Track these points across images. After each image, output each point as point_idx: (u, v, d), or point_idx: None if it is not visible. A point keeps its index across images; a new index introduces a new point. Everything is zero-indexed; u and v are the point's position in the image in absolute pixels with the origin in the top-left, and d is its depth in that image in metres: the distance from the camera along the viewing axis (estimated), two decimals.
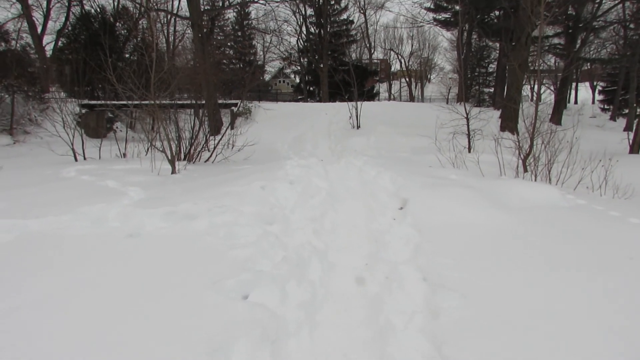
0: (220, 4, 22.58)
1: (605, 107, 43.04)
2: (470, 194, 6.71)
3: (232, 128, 25.39)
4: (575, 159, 8.91)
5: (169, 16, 32.97)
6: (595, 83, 52.83)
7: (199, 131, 12.60)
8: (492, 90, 44.21)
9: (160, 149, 10.00)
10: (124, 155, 13.43)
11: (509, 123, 17.43)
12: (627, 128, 29.44)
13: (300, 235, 5.42)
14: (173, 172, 9.88)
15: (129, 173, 9.69)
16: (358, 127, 17.75)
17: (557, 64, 42.07)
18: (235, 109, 26.05)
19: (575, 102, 51.83)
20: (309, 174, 8.22)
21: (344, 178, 8.35)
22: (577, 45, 26.29)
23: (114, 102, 19.09)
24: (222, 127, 20.35)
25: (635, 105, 29.13)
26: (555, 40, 32.86)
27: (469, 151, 12.88)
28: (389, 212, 6.34)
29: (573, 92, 52.83)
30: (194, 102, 12.97)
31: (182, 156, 12.26)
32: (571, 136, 9.62)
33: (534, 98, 11.42)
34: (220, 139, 13.29)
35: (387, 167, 8.89)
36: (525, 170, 10.14)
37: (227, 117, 26.16)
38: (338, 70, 30.65)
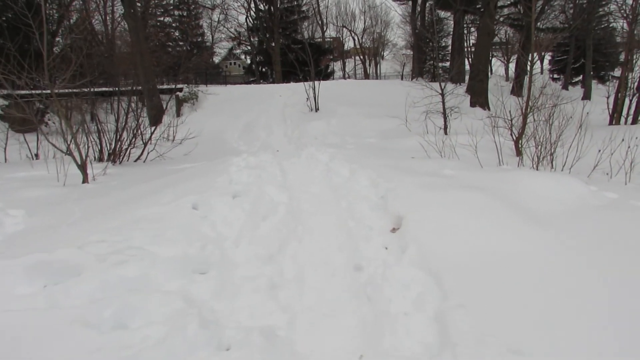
0: None
1: (556, 76, 42.54)
2: (482, 198, 4.73)
3: (178, 116, 22.77)
4: (578, 136, 7.10)
5: None
6: (542, 53, 52.39)
7: (125, 124, 10.09)
8: (446, 64, 42.86)
9: (66, 152, 7.52)
10: (36, 156, 10.77)
11: (478, 98, 15.70)
12: (585, 97, 28.59)
13: (248, 297, 3.28)
14: (85, 180, 7.45)
15: (27, 184, 7.22)
16: (317, 109, 15.58)
17: (510, 34, 41.10)
18: (180, 94, 23.27)
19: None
20: (261, 178, 6.02)
21: (307, 182, 6.18)
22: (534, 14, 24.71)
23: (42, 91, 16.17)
24: (163, 116, 17.73)
25: (592, 73, 28.24)
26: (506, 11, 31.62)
27: (446, 132, 10.98)
28: (376, 237, 4.26)
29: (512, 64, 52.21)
30: (113, 88, 10.38)
31: (106, 156, 9.76)
32: (573, 109, 7.82)
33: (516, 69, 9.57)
34: (153, 132, 10.79)
35: (361, 162, 6.78)
36: (519, 154, 8.31)
37: (172, 104, 23.41)
38: (291, 49, 28.16)
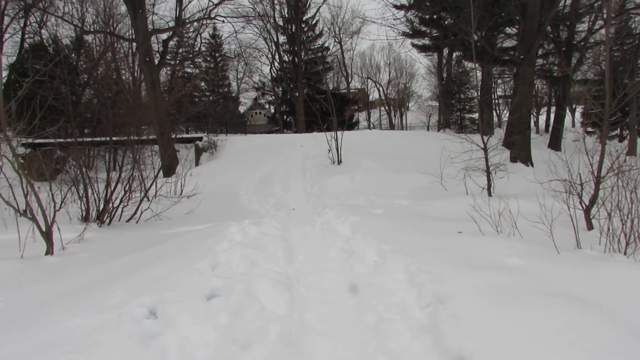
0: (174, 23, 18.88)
1: (590, 129, 40.42)
2: (587, 322, 2.90)
3: (197, 165, 21.54)
4: None
5: (131, 46, 29.20)
6: (574, 106, 50.56)
7: (119, 179, 8.61)
8: (473, 116, 41.31)
9: (21, 213, 5.99)
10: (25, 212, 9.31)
11: (520, 152, 13.84)
12: (630, 152, 26.32)
13: None
14: (49, 251, 5.87)
15: None
16: (339, 162, 13.97)
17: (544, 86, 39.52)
18: (200, 143, 22.15)
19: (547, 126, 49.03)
20: (255, 266, 4.26)
21: (318, 272, 4.42)
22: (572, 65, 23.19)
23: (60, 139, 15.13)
24: (177, 166, 16.40)
25: (636, 127, 26.09)
26: (540, 61, 30.12)
27: (489, 194, 9.13)
28: None
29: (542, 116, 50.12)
30: (107, 138, 8.98)
31: (94, 215, 8.22)
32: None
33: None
34: (149, 188, 9.26)
35: (392, 240, 5.00)
36: (590, 227, 6.40)
37: (192, 154, 22.25)
38: (315, 99, 27.12)
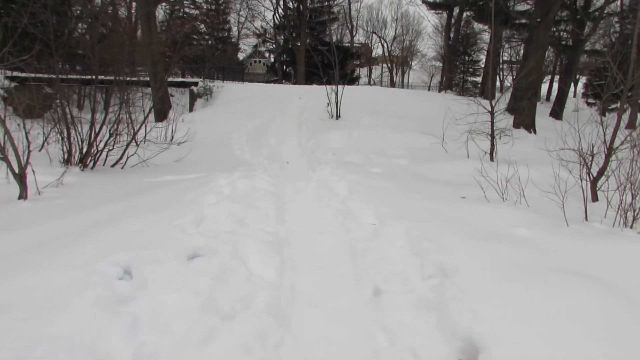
0: None
1: (590, 101, 39.76)
2: (613, 309, 2.60)
3: (190, 111, 20.85)
4: None
5: None
6: (577, 76, 49.60)
7: (104, 120, 8.11)
8: (475, 79, 40.39)
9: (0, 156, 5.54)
10: None
11: (524, 119, 13.36)
12: (629, 125, 25.86)
13: None
14: (22, 195, 5.47)
15: None
16: (338, 116, 13.44)
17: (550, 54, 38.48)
18: (195, 89, 21.39)
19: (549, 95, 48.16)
20: (243, 225, 3.89)
21: (312, 233, 4.08)
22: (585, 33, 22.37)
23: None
24: (170, 112, 15.78)
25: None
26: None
27: (492, 158, 8.75)
28: None
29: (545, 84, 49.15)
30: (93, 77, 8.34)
31: (77, 158, 7.78)
32: None
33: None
34: (137, 132, 8.78)
35: (392, 202, 4.65)
36: (595, 199, 6.08)
37: (186, 99, 21.51)
38: (317, 50, 26.11)
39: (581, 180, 5.24)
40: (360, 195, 4.95)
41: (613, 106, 37.91)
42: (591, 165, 6.05)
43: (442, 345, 2.37)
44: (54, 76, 8.90)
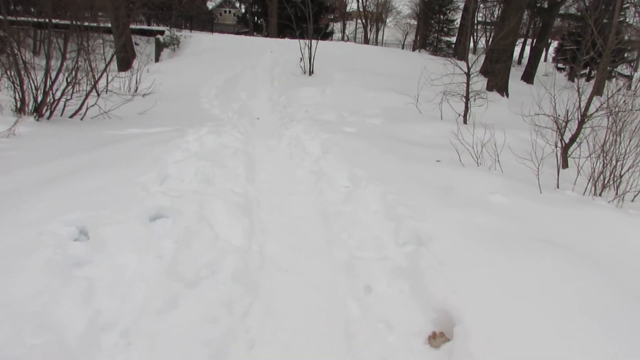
0: None
1: (560, 66, 40.16)
2: (590, 281, 2.58)
3: (156, 61, 19.90)
4: None
5: None
6: (550, 41, 49.86)
7: (60, 67, 7.55)
8: (450, 39, 40.12)
9: None
10: None
11: (497, 82, 13.30)
12: (594, 93, 26.32)
13: None
14: None
15: None
16: (311, 72, 13.04)
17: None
18: (161, 37, 20.35)
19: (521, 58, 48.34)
20: (210, 184, 3.67)
21: (284, 194, 3.90)
22: None
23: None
24: (134, 61, 15.00)
25: (607, 68, 25.67)
26: None
27: (465, 121, 8.68)
28: (402, 356, 2.08)
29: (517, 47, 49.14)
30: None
31: (31, 107, 7.25)
32: None
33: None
34: (97, 81, 8.26)
35: (367, 164, 4.51)
36: (565, 166, 6.13)
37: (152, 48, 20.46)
38: (290, 2, 25.15)
39: (556, 147, 5.21)
40: (334, 155, 4.78)
41: (582, 72, 38.28)
42: (564, 132, 6.05)
43: (416, 316, 2.29)
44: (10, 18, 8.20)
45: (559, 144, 5.82)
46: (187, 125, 6.20)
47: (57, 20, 9.84)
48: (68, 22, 8.56)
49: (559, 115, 5.59)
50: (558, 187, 4.92)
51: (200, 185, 3.58)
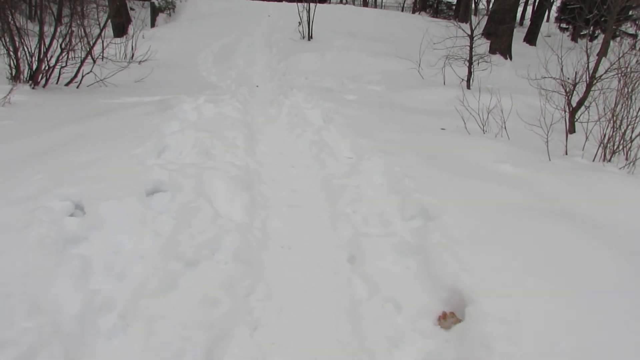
0: None
1: (563, 26, 39.17)
2: (605, 255, 2.46)
3: (152, 26, 19.33)
4: None
5: None
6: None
7: (54, 33, 7.25)
8: (451, 0, 39.02)
9: None
10: None
11: (500, 44, 12.91)
12: (602, 53, 25.73)
13: None
14: None
15: None
16: (310, 37, 12.65)
17: None
18: (157, 2, 19.70)
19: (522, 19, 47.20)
20: (209, 156, 3.52)
21: (285, 166, 3.76)
22: None
23: None
24: (129, 27, 14.52)
25: (613, 27, 24.95)
26: None
27: (468, 86, 8.44)
28: (409, 336, 1.99)
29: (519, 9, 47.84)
30: None
31: (26, 75, 7.01)
32: None
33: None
34: (92, 47, 7.98)
35: (370, 133, 4.35)
36: (572, 131, 5.95)
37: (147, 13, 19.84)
38: None
39: (564, 112, 5.03)
40: (336, 125, 4.60)
41: (583, 32, 37.77)
42: (572, 95, 5.84)
43: (425, 295, 2.19)
44: None
45: (567, 108, 5.63)
46: (184, 94, 5.99)
47: None
48: None
49: (568, 78, 5.36)
50: (566, 153, 4.77)
51: (198, 157, 3.43)
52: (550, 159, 4.26)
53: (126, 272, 2.24)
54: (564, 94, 5.69)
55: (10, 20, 7.00)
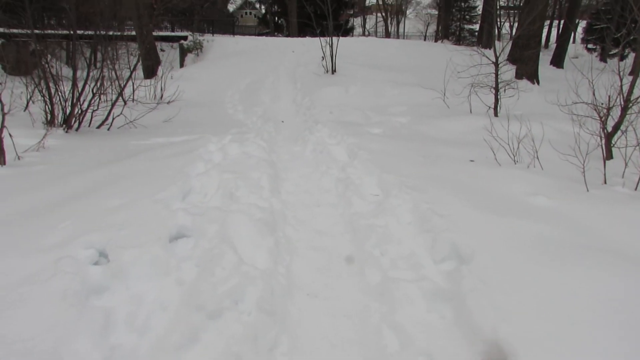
0: None
1: (591, 46, 38.52)
2: None
3: (181, 66, 19.97)
4: None
5: None
6: (577, 21, 48.04)
7: (87, 78, 7.52)
8: (473, 27, 39.15)
9: None
10: None
11: (526, 69, 12.73)
12: (636, 73, 25.05)
13: None
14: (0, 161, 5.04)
15: None
16: (333, 71, 12.78)
17: None
18: (185, 43, 20.41)
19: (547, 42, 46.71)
20: (234, 199, 3.47)
21: (310, 206, 3.68)
22: None
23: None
24: (159, 68, 15.02)
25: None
26: None
27: (496, 114, 8.27)
28: None
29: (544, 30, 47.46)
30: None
31: (60, 119, 7.26)
32: None
33: None
34: (122, 90, 8.22)
35: (396, 168, 4.24)
36: (609, 157, 5.67)
37: (176, 54, 20.54)
38: (309, 0, 24.92)
39: (601, 139, 4.81)
40: (361, 161, 4.52)
41: (613, 52, 37.00)
42: (606, 120, 5.60)
43: (462, 348, 2.03)
44: (37, 32, 8.26)
45: (602, 134, 5.39)
46: (211, 133, 6.05)
47: (83, 32, 9.90)
48: (93, 33, 8.58)
49: (602, 104, 5.14)
50: (605, 182, 4.53)
51: (223, 200, 3.39)
52: (588, 189, 4.04)
53: (147, 324, 2.17)
54: (598, 118, 5.47)
55: (46, 68, 7.32)
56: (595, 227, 3.03)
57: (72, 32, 7.61)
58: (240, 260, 2.59)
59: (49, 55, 8.32)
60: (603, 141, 5.23)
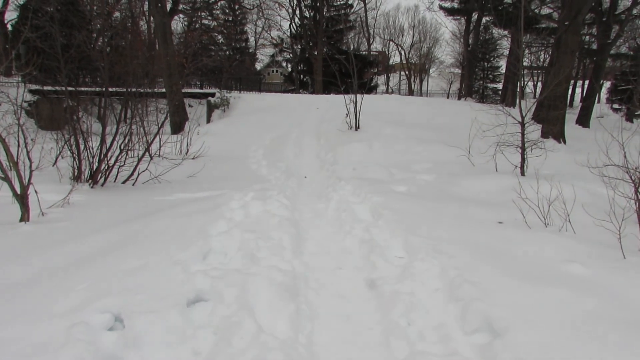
0: None
1: (616, 107, 38.42)
2: None
3: (208, 122, 20.59)
4: None
5: None
6: (602, 82, 48.25)
7: (115, 135, 7.76)
8: (496, 85, 39.63)
9: (1, 176, 5.17)
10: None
11: (552, 128, 12.64)
12: None
13: None
14: (24, 217, 5.11)
15: None
16: (357, 127, 12.94)
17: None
18: (212, 99, 21.14)
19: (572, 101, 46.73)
20: (254, 261, 3.41)
21: (332, 269, 3.57)
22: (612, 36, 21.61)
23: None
24: (186, 123, 15.50)
25: None
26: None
27: (522, 173, 8.13)
28: None
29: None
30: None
31: (87, 174, 7.43)
32: None
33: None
34: (149, 146, 8.43)
35: (421, 230, 4.12)
36: None
37: (203, 110, 21.25)
38: (334, 59, 25.76)
39: (636, 203, 4.63)
40: (386, 221, 4.43)
41: (639, 112, 36.62)
42: None
43: None
44: (70, 89, 8.70)
45: (636, 197, 5.20)
46: (233, 189, 6.08)
47: (116, 89, 10.36)
48: (124, 90, 8.96)
49: (637, 168, 4.99)
50: None
51: (243, 261, 3.32)
52: (624, 257, 3.84)
53: None
54: (631, 182, 5.30)
55: (75, 125, 7.60)
56: (631, 297, 2.84)
57: (104, 89, 7.96)
58: (259, 328, 2.48)
59: (81, 112, 8.66)
60: (638, 205, 5.04)
